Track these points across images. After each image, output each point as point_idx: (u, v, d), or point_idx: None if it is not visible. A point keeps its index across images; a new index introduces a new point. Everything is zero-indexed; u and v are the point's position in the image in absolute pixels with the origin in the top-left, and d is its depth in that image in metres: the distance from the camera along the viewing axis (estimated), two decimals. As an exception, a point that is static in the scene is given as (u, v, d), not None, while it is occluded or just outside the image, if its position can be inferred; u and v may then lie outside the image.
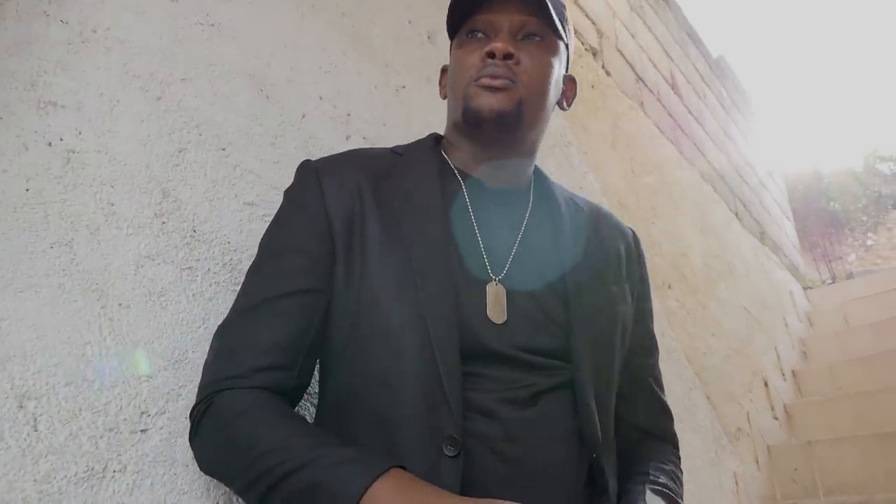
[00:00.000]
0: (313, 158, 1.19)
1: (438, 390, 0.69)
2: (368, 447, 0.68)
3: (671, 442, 0.95)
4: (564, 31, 0.87)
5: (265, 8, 1.20)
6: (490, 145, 0.85)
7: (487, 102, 0.80)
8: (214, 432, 0.70)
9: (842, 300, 4.14)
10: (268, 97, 1.14)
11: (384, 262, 0.76)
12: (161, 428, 0.81)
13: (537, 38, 0.83)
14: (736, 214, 3.76)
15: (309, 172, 0.85)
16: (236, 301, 0.80)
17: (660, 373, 0.98)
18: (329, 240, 0.78)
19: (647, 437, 0.92)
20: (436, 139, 0.93)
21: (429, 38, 1.62)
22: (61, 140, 0.85)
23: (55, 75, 0.87)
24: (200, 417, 0.73)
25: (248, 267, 1.00)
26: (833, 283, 5.36)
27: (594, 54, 2.64)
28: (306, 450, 0.63)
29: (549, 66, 0.84)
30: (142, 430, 0.79)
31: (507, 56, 0.80)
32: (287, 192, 0.87)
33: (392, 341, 0.72)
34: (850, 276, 5.73)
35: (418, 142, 0.92)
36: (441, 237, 0.78)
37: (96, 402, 0.77)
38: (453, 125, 0.89)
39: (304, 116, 1.19)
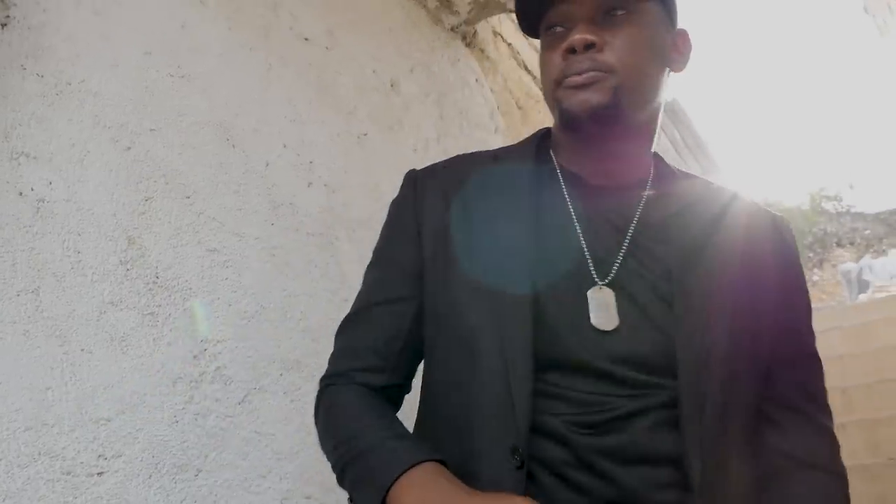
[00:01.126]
0: (276, 206, 1.25)
1: (507, 397, 0.68)
2: (418, 439, 0.72)
3: (835, 472, 0.78)
4: None
5: (235, 60, 1.26)
6: (595, 143, 0.78)
7: (579, 102, 0.73)
8: (320, 419, 0.78)
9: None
10: (233, 146, 1.19)
11: (466, 266, 0.75)
12: (117, 471, 0.84)
13: (621, 12, 0.74)
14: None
15: (408, 183, 0.85)
16: (356, 298, 0.84)
17: (820, 388, 0.82)
18: (418, 248, 0.79)
19: (800, 467, 0.77)
20: (543, 136, 0.86)
21: (392, 86, 1.69)
22: (32, 190, 0.89)
23: (29, 127, 0.91)
24: (318, 404, 0.79)
25: (207, 311, 1.04)
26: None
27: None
28: (371, 438, 0.69)
29: (643, 38, 0.75)
30: (98, 474, 0.83)
31: (590, 45, 0.72)
32: (392, 203, 0.87)
33: (468, 344, 0.72)
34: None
35: (522, 141, 0.87)
36: (525, 239, 0.74)
37: (55, 447, 0.80)
38: (556, 125, 0.83)
39: (268, 164, 1.25)
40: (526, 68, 2.58)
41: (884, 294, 6.73)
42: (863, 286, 8.53)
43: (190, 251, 1.05)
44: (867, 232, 12.69)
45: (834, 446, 0.79)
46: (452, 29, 2.04)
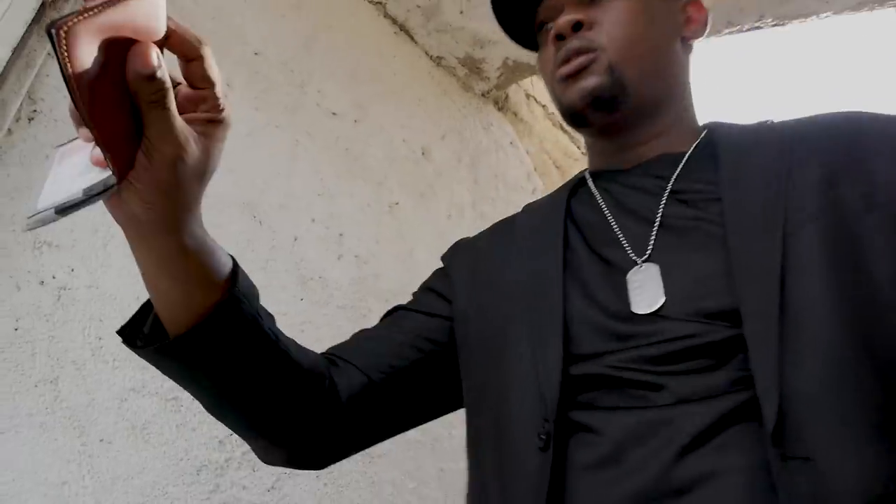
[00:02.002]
0: (305, 280, 1.23)
1: (535, 382, 0.59)
2: None
3: None
4: None
5: (262, 138, 1.27)
6: (609, 132, 0.72)
7: (575, 92, 0.67)
8: None
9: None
10: (260, 223, 1.19)
11: (497, 297, 0.69)
12: (134, 571, 0.79)
13: None
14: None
15: (450, 253, 0.82)
16: None
17: None
18: (446, 303, 0.75)
19: None
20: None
21: (423, 153, 1.69)
22: (53, 278, 0.89)
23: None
24: None
25: (232, 395, 1.01)
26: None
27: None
28: None
29: (636, 9, 0.69)
30: (114, 575, 0.78)
31: (577, 26, 0.68)
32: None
33: (499, 342, 0.65)
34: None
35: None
36: (551, 245, 0.67)
37: (69, 546, 0.76)
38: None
39: (296, 239, 1.23)
40: (562, 128, 2.56)
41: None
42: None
43: (215, 331, 1.03)
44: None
45: None
46: (483, 95, 2.05)
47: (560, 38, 0.68)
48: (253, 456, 1.01)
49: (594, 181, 0.73)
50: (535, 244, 0.69)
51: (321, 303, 1.21)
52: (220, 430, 0.99)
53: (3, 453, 0.76)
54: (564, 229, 0.68)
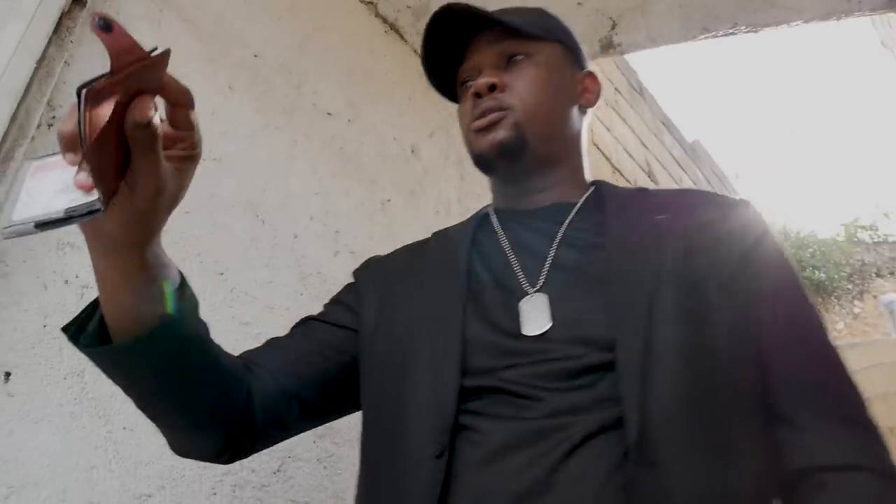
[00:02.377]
0: (304, 276, 1.30)
1: (432, 395, 0.68)
2: None
3: (876, 469, 0.64)
4: (553, 31, 0.85)
5: (262, 139, 1.33)
6: (511, 179, 0.84)
7: (486, 142, 0.79)
8: None
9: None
10: (263, 222, 1.25)
11: (400, 319, 0.78)
12: (158, 546, 0.87)
13: (521, 57, 0.81)
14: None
15: (362, 270, 0.92)
16: None
17: (832, 379, 0.70)
18: (356, 315, 0.82)
19: (828, 476, 0.63)
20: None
21: (412, 151, 1.76)
22: (77, 277, 0.95)
23: (73, 218, 0.98)
24: None
25: (242, 385, 1.08)
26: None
27: (571, 150, 2.80)
28: None
29: (543, 78, 0.81)
30: (141, 550, 0.86)
31: (492, 87, 0.79)
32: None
33: (400, 363, 0.73)
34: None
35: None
36: (457, 287, 0.75)
37: (100, 525, 0.84)
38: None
39: (295, 237, 1.30)
40: (543, 123, 2.64)
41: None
42: (907, 317, 8.26)
43: (224, 325, 1.10)
44: (907, 261, 12.38)
45: (871, 434, 0.67)
46: (469, 91, 2.12)
47: (478, 95, 0.80)
48: (259, 441, 1.09)
49: (497, 218, 0.84)
50: (442, 270, 0.79)
51: (320, 297, 1.28)
52: (230, 417, 1.06)
53: (39, 441, 0.83)
54: (469, 258, 0.79)
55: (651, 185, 3.58)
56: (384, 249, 1.51)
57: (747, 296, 0.71)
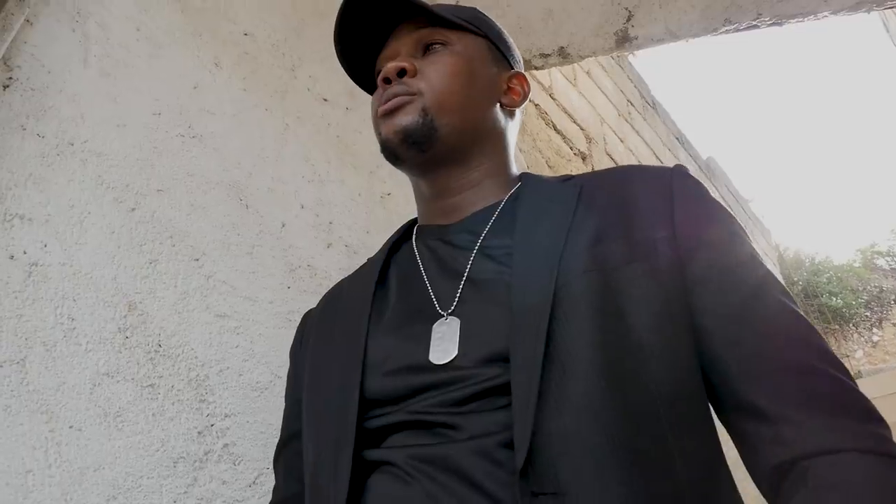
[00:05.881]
0: (293, 268, 1.18)
1: (335, 440, 0.65)
2: None
3: (857, 449, 0.53)
4: (479, 26, 0.80)
5: (250, 120, 1.22)
6: (423, 172, 0.77)
7: (390, 127, 0.73)
8: None
9: (850, 402, 4.01)
10: (247, 207, 1.13)
11: (313, 375, 0.75)
12: (103, 567, 0.73)
13: (439, 45, 0.77)
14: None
15: (299, 328, 0.86)
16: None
17: (795, 344, 0.60)
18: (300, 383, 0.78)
19: (808, 463, 0.54)
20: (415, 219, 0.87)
21: (416, 145, 1.64)
22: (24, 253, 0.83)
23: (25, 188, 0.86)
24: None
25: (214, 382, 0.96)
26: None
27: (583, 158, 2.69)
28: None
29: (458, 67, 0.76)
30: (81, 571, 0.72)
31: (401, 72, 0.74)
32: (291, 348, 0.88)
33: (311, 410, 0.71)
34: (857, 375, 5.60)
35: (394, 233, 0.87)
36: (362, 307, 0.72)
37: (32, 540, 0.70)
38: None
39: (283, 225, 1.18)
40: (554, 127, 2.53)
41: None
42: (929, 345, 8.05)
43: (197, 317, 0.98)
44: (926, 287, 12.13)
45: (843, 419, 0.55)
46: (477, 90, 2.01)
47: (387, 81, 0.74)
48: (235, 449, 0.96)
49: (418, 236, 0.79)
50: (353, 304, 0.75)
51: (309, 291, 1.16)
52: (199, 420, 0.93)
53: (-38, 438, 0.70)
54: (385, 284, 0.75)
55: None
56: (383, 244, 1.39)
57: (679, 272, 0.62)
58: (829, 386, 0.57)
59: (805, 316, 0.64)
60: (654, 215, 0.66)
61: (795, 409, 0.56)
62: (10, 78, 0.90)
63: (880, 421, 0.57)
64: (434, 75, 0.74)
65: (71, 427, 0.78)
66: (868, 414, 0.57)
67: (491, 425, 0.57)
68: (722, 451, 0.62)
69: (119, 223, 0.94)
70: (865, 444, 0.54)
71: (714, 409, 0.63)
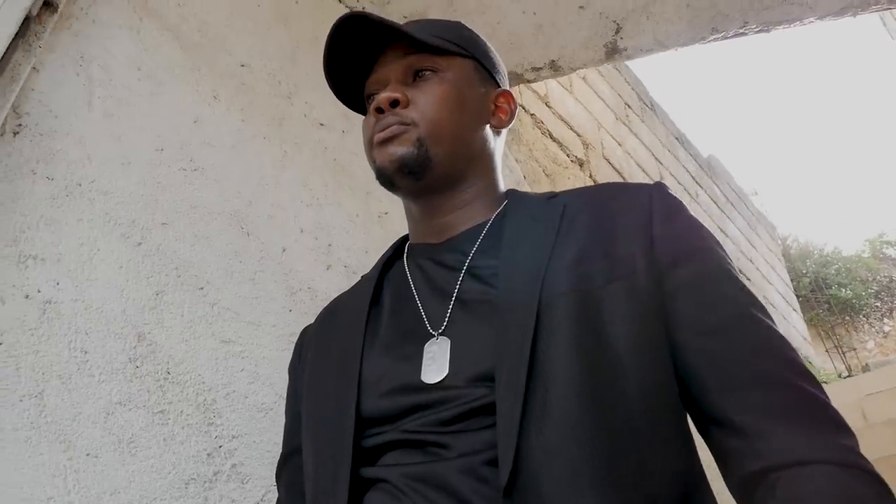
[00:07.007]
0: (294, 291, 1.23)
1: (332, 457, 0.68)
2: None
3: (824, 460, 0.55)
4: (463, 48, 0.81)
5: (249, 150, 1.27)
6: (416, 198, 0.80)
7: (386, 156, 0.75)
8: None
9: (858, 395, 4.03)
10: (248, 234, 1.18)
11: (317, 372, 0.78)
12: (121, 587, 0.78)
13: (428, 72, 0.78)
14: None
15: (297, 346, 0.89)
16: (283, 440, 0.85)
17: (767, 358, 0.62)
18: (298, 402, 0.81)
19: (776, 476, 0.55)
20: (406, 237, 0.89)
21: (412, 163, 1.69)
22: (39, 292, 0.88)
23: (38, 230, 0.91)
24: None
25: (222, 405, 1.00)
26: (849, 376, 5.23)
27: (581, 165, 2.73)
28: None
29: (449, 94, 0.78)
30: (100, 591, 0.77)
31: (394, 103, 0.76)
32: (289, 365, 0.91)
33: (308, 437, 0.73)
34: (865, 367, 5.59)
35: (386, 250, 0.89)
36: (357, 326, 0.75)
37: (54, 563, 0.75)
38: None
39: (284, 250, 1.23)
40: (551, 136, 2.57)
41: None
42: (940, 334, 8.00)
43: (203, 343, 1.02)
44: (936, 276, 12.06)
45: (812, 431, 0.57)
46: (472, 104, 2.06)
47: (380, 111, 0.76)
48: (242, 469, 1.01)
49: (409, 256, 0.81)
50: (349, 322, 0.77)
51: (310, 313, 1.21)
52: (209, 443, 0.98)
53: (-13, 469, 0.75)
54: (379, 302, 0.77)
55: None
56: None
57: (658, 288, 0.65)
58: (800, 399, 0.60)
59: (779, 330, 0.66)
60: (634, 233, 0.68)
61: (767, 422, 0.58)
62: (20, 125, 0.95)
63: (850, 434, 0.59)
64: (426, 106, 0.76)
65: (88, 455, 0.83)
66: (837, 427, 0.59)
67: (477, 444, 0.60)
68: (701, 464, 0.65)
69: (126, 258, 0.99)
70: (834, 456, 0.55)
71: (693, 421, 0.66)
